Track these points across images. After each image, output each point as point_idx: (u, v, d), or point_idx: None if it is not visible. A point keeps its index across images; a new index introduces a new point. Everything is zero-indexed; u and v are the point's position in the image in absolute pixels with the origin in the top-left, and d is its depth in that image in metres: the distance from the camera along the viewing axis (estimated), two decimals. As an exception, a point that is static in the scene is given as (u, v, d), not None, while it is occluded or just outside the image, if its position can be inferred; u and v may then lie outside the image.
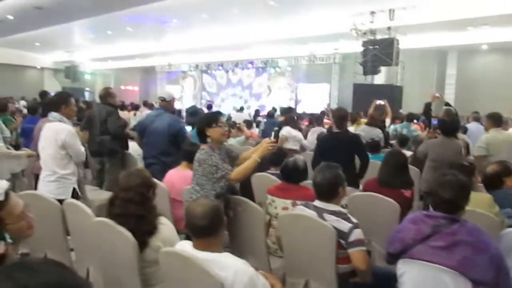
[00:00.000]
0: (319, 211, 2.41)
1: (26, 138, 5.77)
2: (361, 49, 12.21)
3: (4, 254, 1.38)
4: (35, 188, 3.66)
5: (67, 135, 3.36)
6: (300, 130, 7.22)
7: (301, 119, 10.51)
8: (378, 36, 11.87)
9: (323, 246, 2.36)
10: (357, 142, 4.27)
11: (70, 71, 22.19)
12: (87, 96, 22.29)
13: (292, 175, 3.15)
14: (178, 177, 3.55)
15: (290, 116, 7.11)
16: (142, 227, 2.19)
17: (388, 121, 7.66)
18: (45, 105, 5.66)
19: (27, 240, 1.65)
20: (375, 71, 12.39)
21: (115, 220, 2.22)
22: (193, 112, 6.90)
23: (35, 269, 0.72)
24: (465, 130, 6.80)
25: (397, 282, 2.03)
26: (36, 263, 0.75)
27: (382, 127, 6.54)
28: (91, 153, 4.52)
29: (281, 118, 8.34)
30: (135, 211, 2.20)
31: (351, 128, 6.17)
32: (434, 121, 5.55)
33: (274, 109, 11.58)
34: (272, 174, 3.76)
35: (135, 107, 11.61)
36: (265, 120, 9.35)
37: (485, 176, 3.16)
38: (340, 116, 4.32)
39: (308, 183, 3.17)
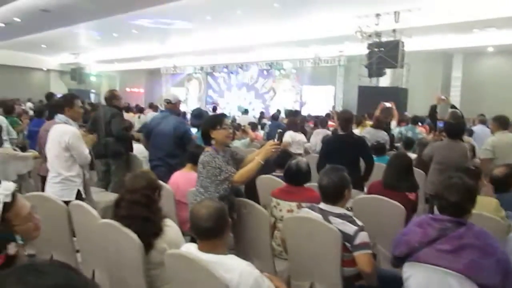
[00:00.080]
0: (325, 214, 2.41)
1: (32, 140, 5.80)
2: (366, 51, 12.18)
3: (16, 255, 1.39)
4: (42, 190, 3.68)
5: (71, 137, 3.38)
6: (304, 132, 7.21)
7: (307, 121, 10.50)
8: (383, 39, 11.82)
9: (328, 249, 2.36)
10: (362, 145, 4.26)
11: (76, 73, 22.30)
12: (92, 98, 22.33)
13: (295, 178, 3.15)
14: (183, 179, 3.56)
15: (293, 120, 7.11)
16: (148, 229, 2.20)
17: (394, 123, 7.63)
18: (51, 107, 5.70)
19: (33, 241, 1.65)
20: (380, 74, 12.34)
21: (121, 222, 2.22)
22: (198, 114, 6.92)
23: (43, 271, 0.72)
24: (471, 133, 6.78)
25: (402, 286, 2.02)
26: (44, 265, 0.76)
27: (387, 129, 6.52)
28: (96, 155, 4.54)
29: (286, 121, 8.35)
30: (140, 213, 2.21)
31: (356, 131, 6.15)
32: (440, 124, 5.53)
33: (279, 112, 11.59)
34: (278, 176, 3.75)
35: (140, 110, 11.65)
36: (270, 122, 9.35)
37: (493, 178, 3.14)
38: (345, 119, 4.32)
39: (312, 185, 3.17)
